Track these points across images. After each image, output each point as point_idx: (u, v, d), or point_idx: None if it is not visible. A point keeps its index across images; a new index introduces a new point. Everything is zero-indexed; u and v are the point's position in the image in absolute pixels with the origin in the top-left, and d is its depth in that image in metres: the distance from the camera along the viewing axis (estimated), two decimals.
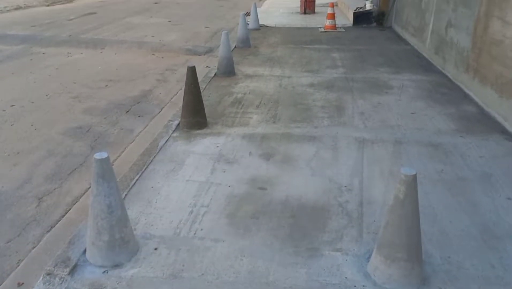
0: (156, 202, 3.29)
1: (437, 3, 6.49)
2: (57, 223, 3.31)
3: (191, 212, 3.16)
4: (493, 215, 3.06)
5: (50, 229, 3.24)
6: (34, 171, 4.05)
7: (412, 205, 2.25)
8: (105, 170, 2.41)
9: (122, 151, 4.54)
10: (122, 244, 2.63)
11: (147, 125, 5.22)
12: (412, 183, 2.20)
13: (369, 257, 2.57)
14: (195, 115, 4.67)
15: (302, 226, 2.95)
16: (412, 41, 7.92)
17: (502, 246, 2.74)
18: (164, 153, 4.11)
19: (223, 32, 6.72)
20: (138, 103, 5.91)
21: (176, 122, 4.82)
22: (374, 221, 2.97)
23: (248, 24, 10.15)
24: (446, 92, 5.48)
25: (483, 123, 4.62)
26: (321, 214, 3.08)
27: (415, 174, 2.18)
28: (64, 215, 3.42)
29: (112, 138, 4.82)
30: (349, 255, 2.65)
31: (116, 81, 6.80)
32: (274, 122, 4.85)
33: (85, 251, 2.72)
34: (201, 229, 2.96)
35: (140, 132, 5.02)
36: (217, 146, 4.25)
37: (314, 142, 4.29)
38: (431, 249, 2.72)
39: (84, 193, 3.73)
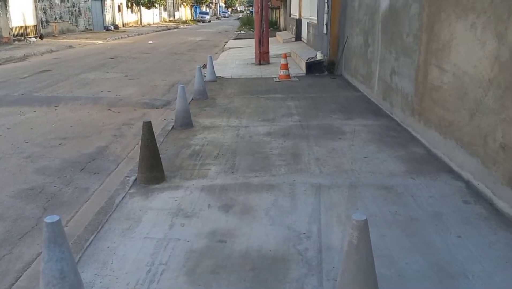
0: (112, 263, 3.19)
1: (381, 52, 6.93)
2: None
3: (149, 271, 3.08)
4: (446, 253, 3.16)
5: None
6: None
7: (366, 249, 2.31)
8: (57, 234, 2.34)
9: (77, 211, 4.41)
10: None
11: (103, 182, 5.13)
12: (364, 228, 2.27)
13: None
14: (152, 170, 4.65)
15: (263, 279, 2.93)
16: (362, 88, 8.33)
17: (456, 285, 2.83)
18: (120, 211, 4.03)
19: (179, 85, 6.84)
20: (94, 160, 5.82)
21: (133, 177, 4.77)
22: (333, 267, 3.00)
23: (205, 76, 10.38)
24: (395, 135, 5.74)
25: (430, 163, 4.85)
26: (281, 264, 3.08)
27: (366, 219, 2.26)
28: (14, 283, 3.24)
29: (66, 198, 4.69)
30: None
31: (70, 138, 6.69)
32: (232, 172, 4.89)
33: None
34: None
35: (95, 190, 4.92)
36: (175, 200, 4.22)
37: (272, 190, 4.34)
38: None
39: (36, 258, 3.56)
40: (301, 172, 4.77)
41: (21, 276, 3.35)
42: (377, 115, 6.87)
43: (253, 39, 14.31)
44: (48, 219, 2.32)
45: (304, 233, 3.47)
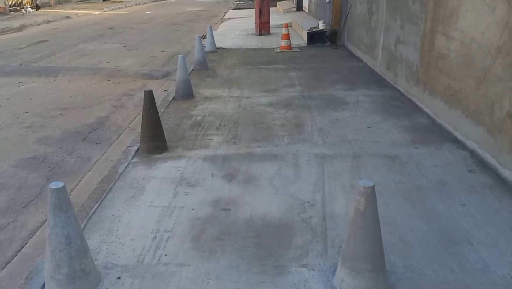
0: (117, 230, 3.21)
1: (386, 21, 6.80)
2: (12, 259, 3.16)
3: (154, 238, 3.10)
4: (450, 220, 3.18)
5: (6, 266, 3.08)
6: None
7: (372, 215, 2.31)
8: (62, 200, 2.34)
9: (80, 180, 4.42)
10: (83, 276, 2.54)
11: (105, 152, 5.12)
12: (371, 194, 2.27)
13: (334, 271, 2.61)
14: (154, 140, 4.63)
15: (268, 245, 2.95)
16: (365, 58, 8.22)
17: (460, 251, 2.85)
18: (123, 180, 4.03)
19: (179, 55, 6.74)
20: (95, 130, 5.79)
21: (135, 147, 4.76)
22: (338, 234, 3.02)
23: (205, 46, 10.23)
24: (399, 105, 5.70)
25: (435, 133, 4.83)
26: (285, 231, 3.10)
27: (373, 186, 2.25)
28: (20, 250, 3.27)
29: (69, 167, 4.68)
30: (315, 270, 2.67)
31: (70, 109, 6.64)
32: (235, 142, 4.87)
33: (43, 286, 2.60)
34: (165, 255, 2.91)
35: (97, 159, 4.91)
36: (178, 170, 4.22)
37: (275, 160, 4.33)
38: (393, 258, 2.78)
39: (40, 226, 3.59)
40: (304, 142, 4.75)
41: (26, 243, 3.38)
42: (381, 85, 6.81)
43: (253, 10, 14.04)
44: (53, 185, 2.31)
45: (308, 202, 3.48)
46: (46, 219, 3.64)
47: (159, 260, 2.85)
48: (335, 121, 5.34)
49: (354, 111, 5.52)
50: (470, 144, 4.29)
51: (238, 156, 4.49)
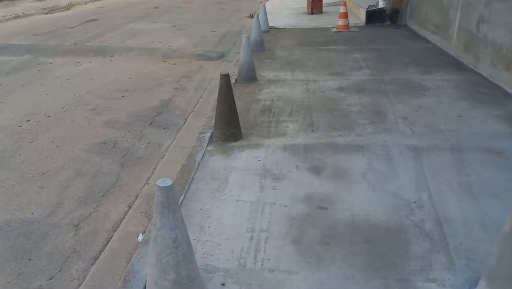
0: (209, 227, 2.98)
1: None
2: (100, 254, 2.99)
3: (251, 238, 2.85)
4: None
5: (94, 262, 2.91)
6: (64, 194, 3.72)
7: None
8: (170, 200, 2.09)
9: (154, 168, 4.22)
10: (189, 282, 2.30)
11: (175, 138, 4.89)
12: None
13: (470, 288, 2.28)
14: (230, 127, 4.36)
15: (381, 253, 2.64)
16: (434, 38, 7.61)
17: None
18: (203, 170, 3.79)
19: (244, 36, 6.41)
20: (160, 114, 5.58)
21: (208, 134, 4.51)
22: (461, 243, 2.67)
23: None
24: (487, 92, 5.19)
25: None
26: (397, 237, 2.78)
27: None
28: (106, 244, 3.09)
29: (141, 154, 4.49)
30: (446, 287, 2.34)
31: (132, 90, 6.46)
32: (312, 131, 4.55)
33: None
34: (268, 259, 2.65)
35: (168, 146, 4.70)
36: (259, 160, 3.94)
37: (363, 152, 3.99)
38: None
39: (123, 218, 3.41)
40: (390, 132, 4.37)
41: (111, 236, 3.20)
42: (459, 69, 6.25)
43: None
44: (161, 182, 2.06)
45: (414, 202, 3.13)
46: (129, 210, 3.50)
47: (262, 265, 2.60)
48: (419, 108, 4.91)
49: (437, 98, 5.05)
50: None
51: (320, 146, 4.17)
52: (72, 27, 12.00)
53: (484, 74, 5.93)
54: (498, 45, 5.37)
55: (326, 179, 3.56)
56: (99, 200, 3.65)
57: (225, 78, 4.28)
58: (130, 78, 7.12)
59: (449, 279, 2.39)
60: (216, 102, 4.43)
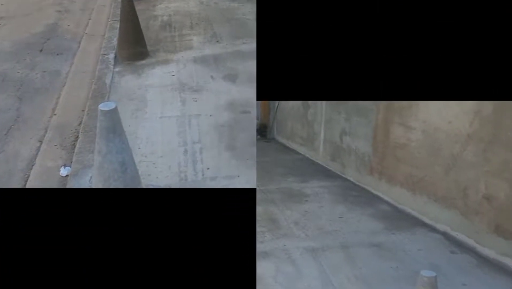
0: (139, 148, 2.64)
1: (326, 113, 5.48)
2: None
3: (186, 151, 2.59)
4: None
5: None
6: None
7: None
8: (116, 123, 1.75)
9: (58, 97, 3.57)
10: None
11: (72, 63, 4.16)
12: (435, 284, 1.86)
13: None
14: (136, 45, 3.82)
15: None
16: (302, 150, 6.73)
17: None
18: (117, 92, 3.31)
19: None
20: (49, 39, 4.66)
21: (112, 55, 3.92)
22: None
23: None
24: (357, 195, 4.59)
25: (402, 219, 3.91)
26: None
27: (436, 276, 1.85)
28: (25, 185, 2.58)
29: (38, 84, 3.75)
30: None
31: (9, 18, 5.27)
32: (217, 41, 4.19)
33: None
34: (207, 168, 2.45)
35: (67, 72, 3.98)
36: (173, 75, 3.55)
37: (268, 258, 2.96)
38: None
39: (36, 154, 2.86)
40: (287, 237, 3.42)
41: (28, 175, 2.68)
42: (329, 176, 5.38)
43: None
44: (104, 106, 1.68)
45: None
46: (40, 146, 2.95)
47: (203, 175, 2.39)
48: (305, 213, 4.20)
49: (319, 202, 4.59)
50: (441, 227, 3.73)
51: (228, 55, 3.87)
52: None
53: (352, 179, 5.33)
54: (360, 154, 4.96)
55: (243, 84, 3.34)
56: (3, 139, 3.00)
57: None
58: (2, 4, 5.79)
59: None
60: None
